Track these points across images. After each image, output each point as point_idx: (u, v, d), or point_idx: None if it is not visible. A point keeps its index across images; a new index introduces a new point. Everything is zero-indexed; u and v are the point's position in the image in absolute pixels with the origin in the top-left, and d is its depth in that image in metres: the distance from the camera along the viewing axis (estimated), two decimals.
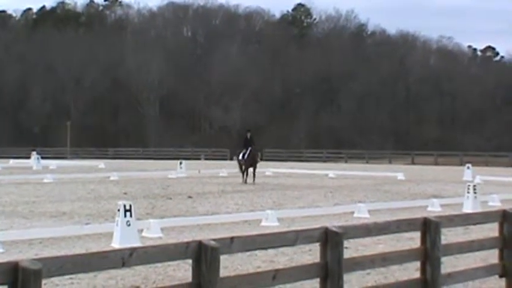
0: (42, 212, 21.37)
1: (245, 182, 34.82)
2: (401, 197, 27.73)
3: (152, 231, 16.52)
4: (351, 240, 9.91)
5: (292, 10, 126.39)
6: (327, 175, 42.71)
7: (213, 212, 21.88)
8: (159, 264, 10.99)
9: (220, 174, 42.54)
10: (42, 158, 54.64)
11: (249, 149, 34.86)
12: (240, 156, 35.58)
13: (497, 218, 10.25)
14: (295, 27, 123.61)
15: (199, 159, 75.57)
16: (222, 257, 6.84)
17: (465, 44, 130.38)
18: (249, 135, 36.06)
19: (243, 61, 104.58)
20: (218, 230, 17.27)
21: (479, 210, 20.90)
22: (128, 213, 15.05)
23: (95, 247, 14.29)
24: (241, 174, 35.64)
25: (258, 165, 35.52)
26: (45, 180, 35.05)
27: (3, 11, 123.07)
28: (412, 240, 12.59)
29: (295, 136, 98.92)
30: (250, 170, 35.11)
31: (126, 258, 6.26)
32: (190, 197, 26.99)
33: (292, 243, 7.88)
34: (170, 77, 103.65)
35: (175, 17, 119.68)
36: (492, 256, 11.05)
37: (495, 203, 24.85)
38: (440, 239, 9.02)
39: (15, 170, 47.11)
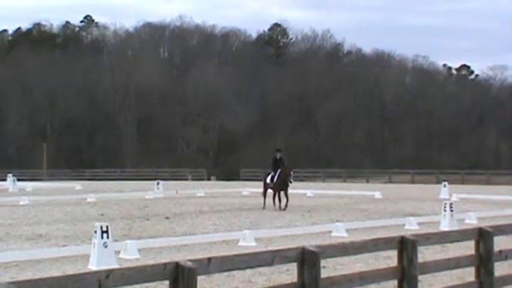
0: (18, 235, 21.18)
1: (275, 206, 30.53)
2: (378, 216, 27.76)
3: (129, 253, 16.42)
4: (329, 259, 9.92)
5: (269, 30, 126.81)
6: (304, 194, 42.71)
7: (191, 232, 21.80)
8: (136, 286, 10.91)
9: (198, 195, 42.43)
10: (18, 179, 54.13)
11: (279, 171, 31.23)
12: (268, 179, 31.58)
13: (474, 236, 10.30)
14: (271, 47, 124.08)
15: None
16: (200, 278, 6.81)
17: (440, 63, 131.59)
18: (278, 155, 32.18)
19: (219, 81, 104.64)
20: (196, 251, 17.22)
21: (456, 228, 21.02)
22: (104, 235, 14.97)
23: (71, 269, 14.20)
24: (262, 198, 31.59)
25: (288, 189, 31.27)
26: (22, 203, 34.73)
27: None
28: (390, 258, 12.62)
29: (272, 156, 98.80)
30: (280, 193, 31.04)
31: (102, 280, 6.23)
32: (167, 217, 26.87)
33: (269, 263, 7.87)
34: (147, 98, 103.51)
35: (152, 38, 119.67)
36: (469, 274, 11.10)
37: (472, 221, 24.96)
38: (417, 257, 9.05)
39: None
